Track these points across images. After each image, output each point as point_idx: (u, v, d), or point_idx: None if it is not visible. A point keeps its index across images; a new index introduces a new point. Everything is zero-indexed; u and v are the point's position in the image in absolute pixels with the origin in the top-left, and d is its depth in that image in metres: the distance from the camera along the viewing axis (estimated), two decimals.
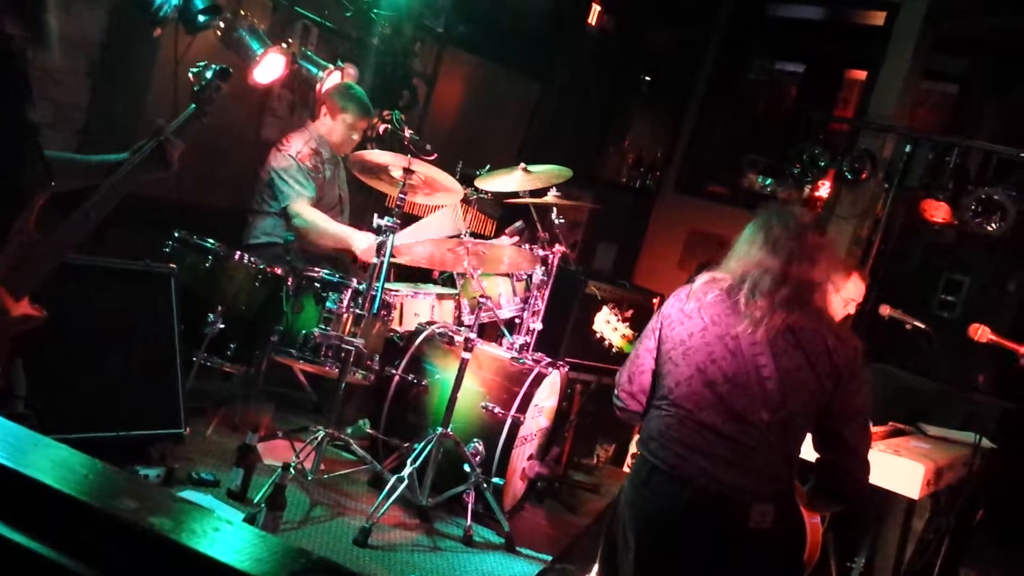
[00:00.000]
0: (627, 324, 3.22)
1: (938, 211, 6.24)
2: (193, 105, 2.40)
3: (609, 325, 3.23)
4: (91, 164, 2.26)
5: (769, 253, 2.46)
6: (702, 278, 2.57)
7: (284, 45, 4.69)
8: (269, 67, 4.58)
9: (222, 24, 4.46)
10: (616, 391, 2.67)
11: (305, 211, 4.43)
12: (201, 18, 4.20)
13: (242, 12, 4.62)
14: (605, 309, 3.27)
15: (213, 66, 2.48)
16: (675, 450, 2.41)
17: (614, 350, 3.22)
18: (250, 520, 3.07)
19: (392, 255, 3.77)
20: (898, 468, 3.40)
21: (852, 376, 2.42)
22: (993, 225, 6.07)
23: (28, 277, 2.05)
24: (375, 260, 3.74)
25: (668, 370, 2.48)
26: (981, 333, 4.27)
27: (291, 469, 3.19)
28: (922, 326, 4.18)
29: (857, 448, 2.47)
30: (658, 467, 2.41)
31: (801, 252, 2.46)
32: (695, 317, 2.48)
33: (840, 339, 2.43)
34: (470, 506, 3.60)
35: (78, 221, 2.17)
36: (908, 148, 6.45)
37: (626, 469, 5.26)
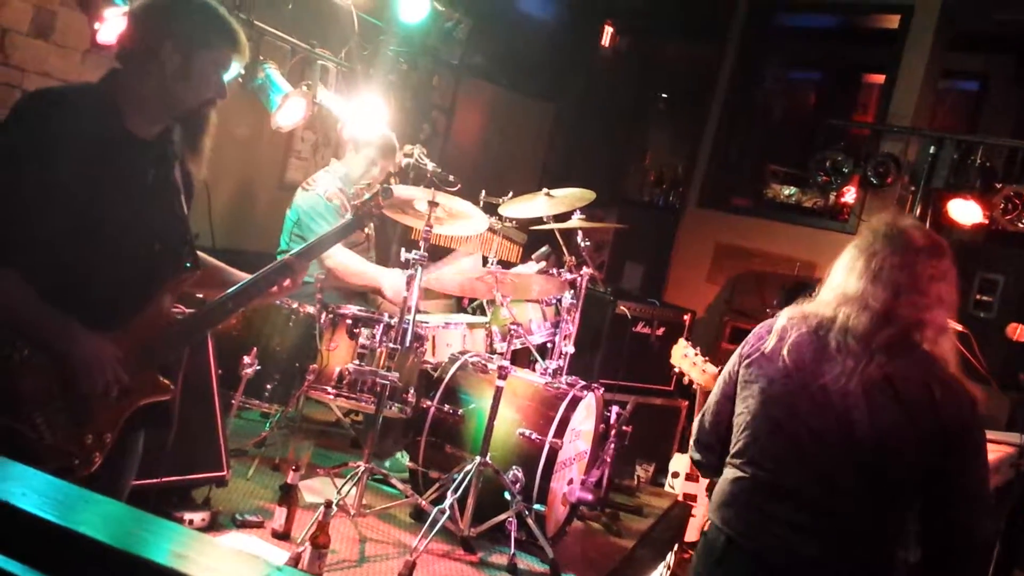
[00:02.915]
0: (707, 359, 3.04)
1: (967, 211, 6.18)
2: (352, 216, 2.81)
3: (687, 360, 3.03)
4: (231, 277, 2.42)
5: (871, 283, 2.06)
6: (787, 312, 2.20)
7: (304, 87, 4.77)
8: (291, 110, 4.66)
9: (243, 71, 4.54)
10: (691, 441, 2.37)
11: (335, 251, 4.47)
12: None
13: (261, 57, 4.71)
14: (682, 341, 3.10)
15: (378, 186, 2.95)
16: (752, 518, 2.07)
17: (695, 387, 3.05)
18: (295, 559, 3.09)
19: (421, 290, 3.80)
20: None
21: (963, 434, 2.00)
22: None
23: (159, 353, 2.17)
24: (404, 295, 3.77)
25: (745, 422, 2.13)
26: (1020, 332, 4.23)
27: (333, 506, 3.21)
28: (959, 327, 4.13)
29: (974, 519, 2.04)
30: (734, 540, 2.08)
31: (912, 284, 2.04)
32: (777, 361, 2.10)
33: (950, 390, 2.00)
34: (513, 534, 3.59)
35: (215, 309, 2.31)
36: (932, 149, 6.40)
37: (668, 488, 5.23)
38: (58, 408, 1.98)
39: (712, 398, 2.31)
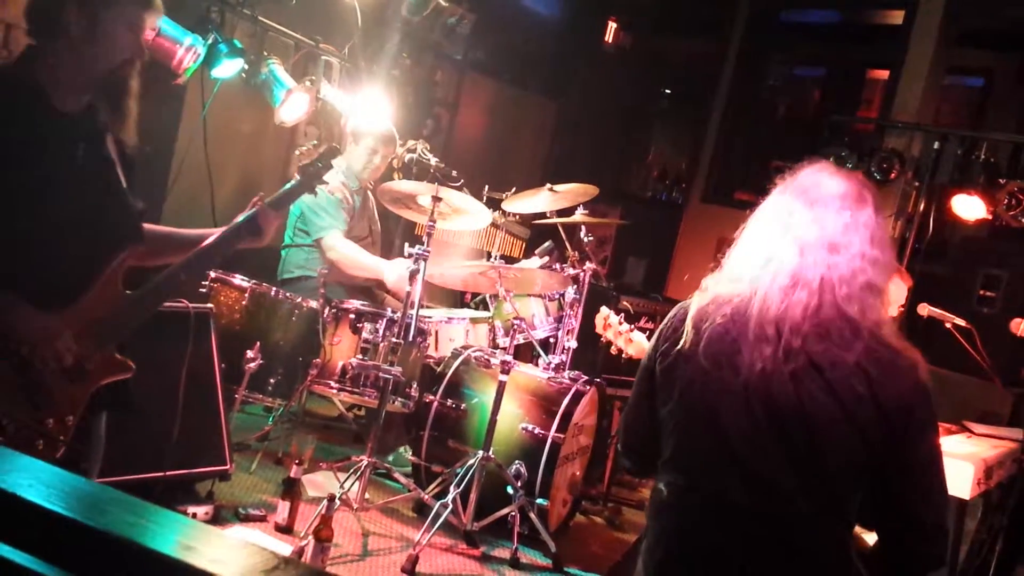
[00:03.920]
0: (633, 327, 2.73)
1: (971, 206, 6.16)
2: (298, 177, 2.55)
3: (612, 329, 2.74)
4: (192, 238, 2.36)
5: (785, 250, 1.79)
6: (697, 298, 1.90)
7: (308, 83, 4.77)
8: (294, 106, 4.66)
9: (246, 66, 4.55)
10: (620, 448, 2.14)
11: (339, 243, 4.49)
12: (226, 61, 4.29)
13: (265, 53, 4.71)
14: (603, 308, 2.79)
15: (323, 145, 2.65)
16: (687, 529, 1.87)
17: (624, 357, 2.79)
18: (298, 553, 3.10)
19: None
20: (947, 469, 3.34)
21: (909, 420, 1.75)
22: None
23: (112, 330, 2.13)
24: (407, 289, 3.78)
25: (669, 429, 1.88)
26: (1023, 328, 4.22)
27: (336, 500, 3.22)
28: (962, 323, 4.14)
29: (928, 516, 1.82)
30: (671, 551, 1.88)
31: (819, 240, 1.76)
32: (694, 359, 1.82)
33: (887, 372, 1.73)
34: (516, 528, 3.60)
35: (166, 282, 2.25)
36: (936, 145, 6.39)
37: None
38: (17, 392, 1.96)
39: (632, 398, 2.05)
